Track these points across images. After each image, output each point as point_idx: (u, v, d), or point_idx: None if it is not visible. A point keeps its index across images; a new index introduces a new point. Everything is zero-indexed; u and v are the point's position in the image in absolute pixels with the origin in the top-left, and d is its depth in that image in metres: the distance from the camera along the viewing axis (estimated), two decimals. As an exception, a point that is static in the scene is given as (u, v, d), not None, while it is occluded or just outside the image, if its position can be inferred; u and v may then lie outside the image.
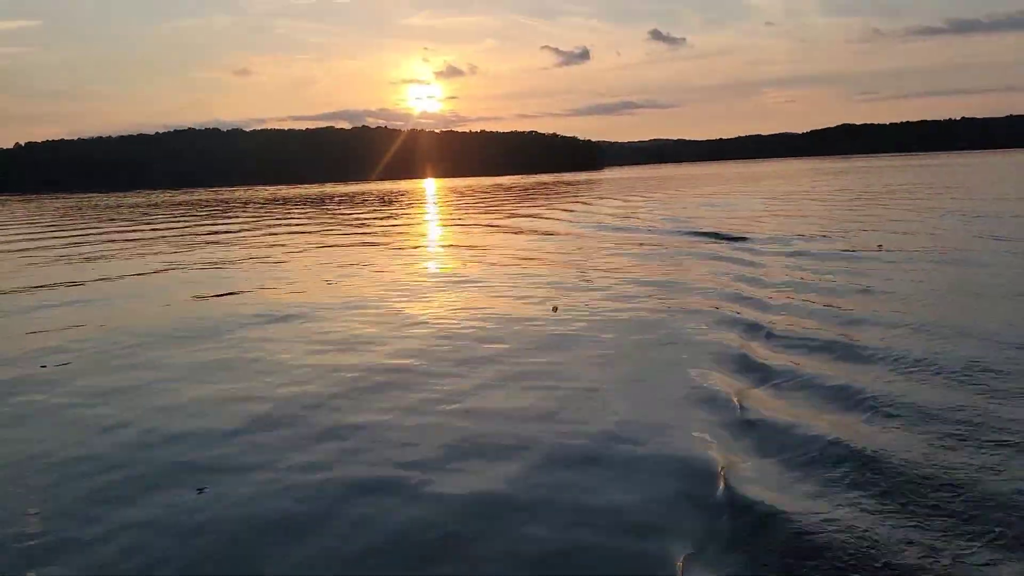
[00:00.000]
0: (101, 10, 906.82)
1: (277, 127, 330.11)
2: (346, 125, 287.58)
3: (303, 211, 49.04)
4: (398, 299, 12.76)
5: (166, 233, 31.96)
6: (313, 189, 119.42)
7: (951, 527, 4.24)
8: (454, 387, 7.42)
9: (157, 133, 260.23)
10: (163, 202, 78.46)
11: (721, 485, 4.97)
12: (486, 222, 31.91)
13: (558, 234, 24.29)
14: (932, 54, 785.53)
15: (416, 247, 23.16)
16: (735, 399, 6.65)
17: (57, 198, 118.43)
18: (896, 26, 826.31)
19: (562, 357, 8.42)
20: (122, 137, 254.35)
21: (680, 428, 6.11)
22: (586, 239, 22.15)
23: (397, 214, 42.07)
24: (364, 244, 23.74)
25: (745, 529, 4.42)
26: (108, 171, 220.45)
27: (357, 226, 32.46)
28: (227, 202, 71.15)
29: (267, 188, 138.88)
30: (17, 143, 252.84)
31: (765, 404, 6.55)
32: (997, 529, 4.18)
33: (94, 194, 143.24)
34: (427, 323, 10.68)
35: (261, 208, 55.36)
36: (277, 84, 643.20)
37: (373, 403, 7.07)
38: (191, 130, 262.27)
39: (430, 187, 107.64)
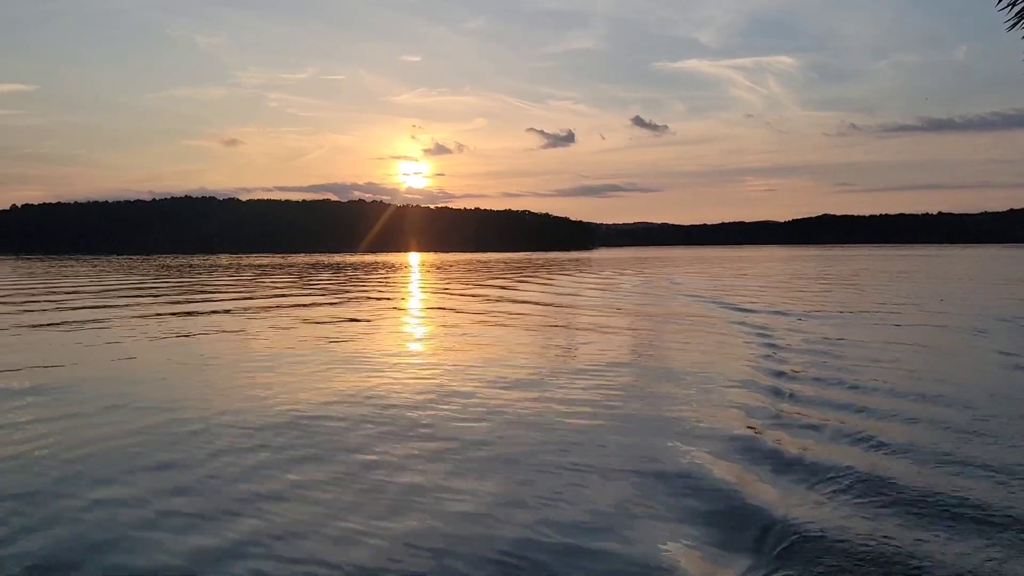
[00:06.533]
0: (99, 78, 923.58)
1: (264, 197, 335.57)
2: (333, 197, 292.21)
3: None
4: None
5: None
6: (324, 258, 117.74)
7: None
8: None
9: (153, 199, 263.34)
10: (227, 265, 79.55)
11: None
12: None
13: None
14: (907, 150, 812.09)
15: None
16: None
17: (66, 259, 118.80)
18: (871, 122, 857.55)
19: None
20: (117, 202, 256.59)
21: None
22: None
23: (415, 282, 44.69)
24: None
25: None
26: (105, 235, 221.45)
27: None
28: (290, 267, 73.20)
29: (271, 256, 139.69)
30: (14, 204, 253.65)
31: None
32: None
33: (102, 256, 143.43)
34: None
35: (339, 273, 57.75)
36: (266, 155, 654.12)
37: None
38: (188, 197, 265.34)
39: (423, 259, 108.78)
